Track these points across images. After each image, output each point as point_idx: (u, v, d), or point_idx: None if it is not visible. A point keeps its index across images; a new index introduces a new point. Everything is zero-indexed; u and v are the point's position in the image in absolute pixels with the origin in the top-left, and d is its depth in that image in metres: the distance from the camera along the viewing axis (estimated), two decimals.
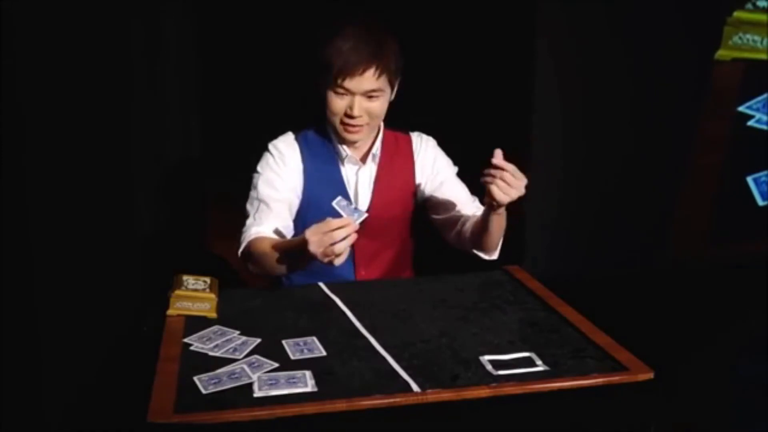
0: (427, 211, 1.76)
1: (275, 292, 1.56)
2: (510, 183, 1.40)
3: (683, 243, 2.98)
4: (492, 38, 2.76)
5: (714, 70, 2.78)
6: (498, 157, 1.40)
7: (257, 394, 1.08)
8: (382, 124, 1.70)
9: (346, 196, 1.66)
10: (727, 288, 2.64)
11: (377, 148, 1.68)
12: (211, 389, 1.09)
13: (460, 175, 1.77)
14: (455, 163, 1.79)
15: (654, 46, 2.60)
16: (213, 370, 1.15)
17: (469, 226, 1.63)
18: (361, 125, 1.57)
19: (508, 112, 2.69)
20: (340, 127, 1.59)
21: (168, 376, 1.13)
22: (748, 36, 2.77)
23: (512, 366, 1.18)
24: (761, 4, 2.75)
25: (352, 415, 1.06)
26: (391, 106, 1.64)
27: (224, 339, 1.26)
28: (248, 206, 1.63)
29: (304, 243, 1.30)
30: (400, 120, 1.75)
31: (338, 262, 1.29)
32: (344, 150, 1.65)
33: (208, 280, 1.43)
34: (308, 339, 1.26)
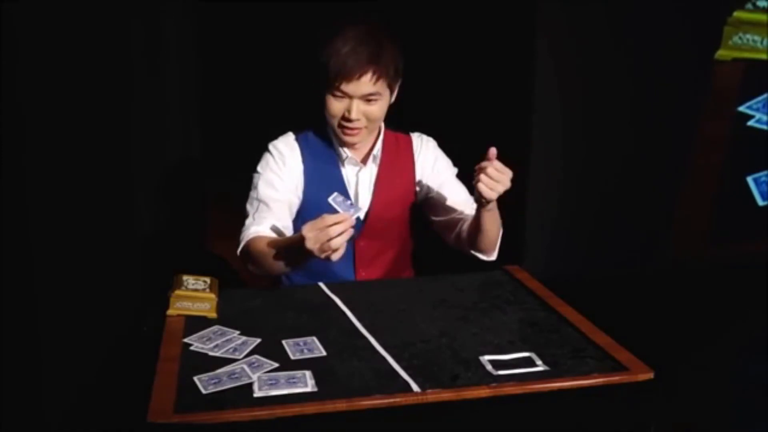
0: (426, 214, 1.75)
1: (275, 292, 1.56)
2: (494, 177, 1.41)
3: (683, 243, 2.98)
4: (492, 38, 2.76)
5: (714, 70, 2.78)
6: (490, 154, 1.40)
7: (257, 394, 1.08)
8: (382, 125, 1.70)
9: (347, 196, 1.66)
10: (727, 288, 2.63)
11: (378, 149, 1.68)
12: (211, 389, 1.09)
13: (460, 175, 1.77)
14: (455, 163, 1.79)
15: (654, 46, 2.60)
16: (213, 370, 1.15)
17: (466, 227, 1.64)
18: (359, 128, 1.57)
19: (508, 112, 2.69)
20: (338, 130, 1.59)
21: (168, 376, 1.13)
22: (748, 36, 2.77)
23: (512, 366, 1.18)
24: (761, 4, 2.75)
25: (352, 415, 1.06)
26: (391, 106, 1.64)
27: (224, 339, 1.26)
28: (248, 206, 1.63)
29: (301, 240, 1.30)
30: (400, 120, 1.75)
31: (335, 257, 1.29)
32: (345, 152, 1.65)
33: (208, 280, 1.43)
34: (308, 339, 1.26)
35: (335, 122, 1.58)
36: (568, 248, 2.75)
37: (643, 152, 2.74)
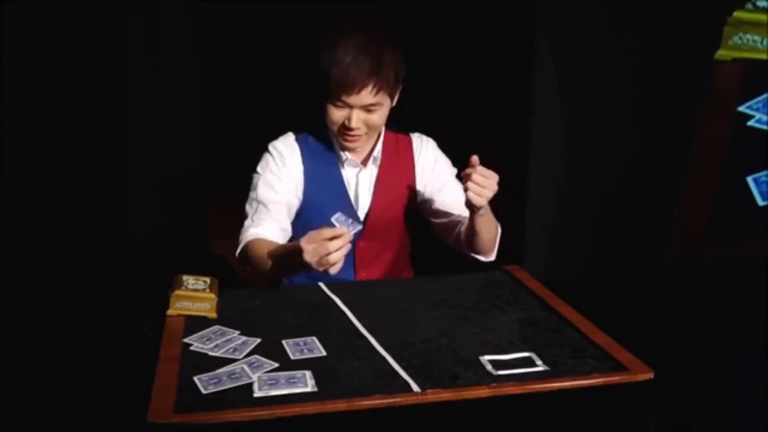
0: (426, 215, 1.75)
1: (275, 292, 1.56)
2: (480, 183, 1.41)
3: (683, 243, 2.98)
4: (492, 38, 2.76)
5: (714, 70, 2.78)
6: (473, 161, 1.41)
7: (257, 394, 1.08)
8: (383, 127, 1.70)
9: (346, 197, 1.66)
10: (727, 288, 2.63)
11: (378, 150, 1.68)
12: (211, 389, 1.09)
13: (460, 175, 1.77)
14: (455, 163, 1.79)
15: (654, 46, 2.60)
16: (213, 370, 1.15)
17: (463, 229, 1.64)
18: (359, 135, 1.57)
19: (508, 112, 2.69)
20: (338, 136, 1.60)
21: (168, 376, 1.13)
22: (748, 36, 2.77)
23: (512, 366, 1.18)
24: (761, 4, 2.75)
25: (352, 415, 1.06)
26: (392, 108, 1.64)
27: (224, 339, 1.26)
28: (247, 207, 1.63)
29: (300, 251, 1.31)
30: (400, 120, 1.75)
31: (333, 271, 1.30)
32: (345, 154, 1.65)
33: (208, 280, 1.43)
34: (308, 339, 1.26)
35: (335, 128, 1.58)
36: (568, 248, 2.75)
37: (643, 152, 2.74)
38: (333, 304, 1.44)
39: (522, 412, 1.13)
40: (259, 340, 1.25)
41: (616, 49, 2.57)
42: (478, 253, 1.65)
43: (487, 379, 1.14)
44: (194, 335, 1.27)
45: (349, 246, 1.30)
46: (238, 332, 1.29)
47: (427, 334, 1.31)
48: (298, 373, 1.14)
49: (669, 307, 2.53)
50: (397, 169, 1.71)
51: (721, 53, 2.77)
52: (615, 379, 1.16)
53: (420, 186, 1.74)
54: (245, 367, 1.16)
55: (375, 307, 1.42)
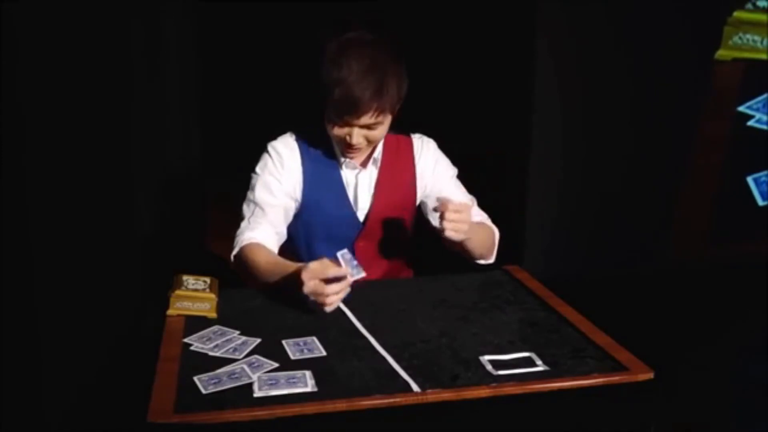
0: (426, 216, 1.75)
1: (275, 292, 1.56)
2: (455, 219, 1.42)
3: (683, 243, 2.98)
4: (492, 38, 2.76)
5: (714, 70, 2.79)
6: (443, 202, 1.43)
7: (257, 394, 1.08)
8: None
9: (345, 198, 1.66)
10: (727, 288, 2.64)
11: (378, 152, 1.68)
12: (211, 389, 1.09)
13: (460, 175, 1.77)
14: (455, 163, 1.79)
15: (654, 46, 2.60)
16: (213, 370, 1.15)
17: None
18: (360, 148, 1.57)
19: (508, 112, 2.69)
20: (338, 145, 1.60)
21: (168, 376, 1.13)
22: (748, 36, 2.78)
23: (512, 366, 1.18)
24: (761, 4, 2.75)
25: (352, 415, 1.06)
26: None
27: (224, 339, 1.26)
28: (244, 207, 1.63)
29: (298, 278, 1.32)
30: (401, 120, 1.74)
31: (328, 310, 1.32)
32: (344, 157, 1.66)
33: (208, 280, 1.43)
34: (308, 339, 1.26)
35: (336, 140, 1.59)
36: (568, 248, 2.75)
37: (643, 152, 2.74)
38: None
39: (522, 412, 1.13)
40: (259, 340, 1.25)
41: (616, 49, 2.58)
42: (475, 259, 1.67)
43: (487, 379, 1.14)
44: (194, 335, 1.27)
45: (348, 290, 1.33)
46: (238, 332, 1.29)
47: (427, 334, 1.31)
48: (298, 373, 1.14)
49: (669, 307, 2.53)
50: (397, 170, 1.71)
51: (721, 53, 2.77)
52: (615, 379, 1.16)
53: (420, 187, 1.73)
54: (245, 367, 1.15)
55: (375, 307, 1.42)
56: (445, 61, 3.02)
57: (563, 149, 2.64)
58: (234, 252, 1.56)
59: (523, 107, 2.56)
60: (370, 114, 1.48)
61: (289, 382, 1.11)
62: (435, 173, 1.73)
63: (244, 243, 1.54)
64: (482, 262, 1.68)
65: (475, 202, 1.72)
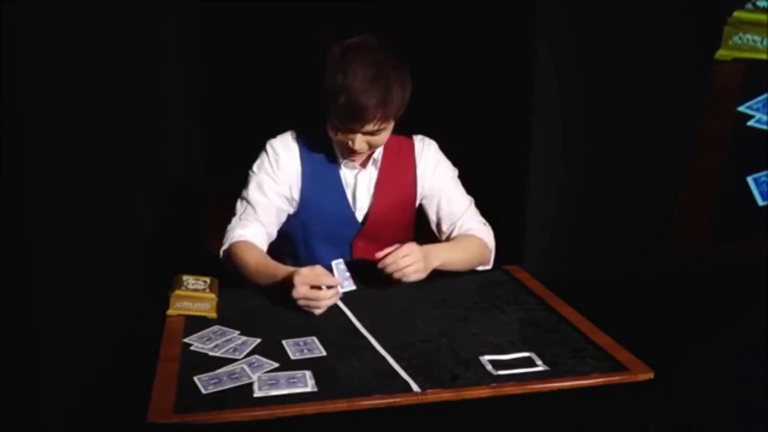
0: (426, 217, 1.76)
1: (275, 292, 1.56)
2: (400, 266, 1.42)
3: (683, 243, 2.98)
4: (492, 38, 2.76)
5: (714, 70, 2.79)
6: (380, 257, 1.43)
7: (257, 394, 1.08)
8: None
9: (344, 198, 1.66)
10: (727, 288, 2.64)
11: (378, 153, 1.68)
12: (211, 389, 1.09)
13: (461, 175, 1.77)
14: (455, 164, 1.79)
15: (654, 46, 2.60)
16: (213, 370, 1.15)
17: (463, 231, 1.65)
18: (361, 153, 1.58)
19: (508, 112, 2.69)
20: (339, 148, 1.60)
21: (168, 376, 1.13)
22: (748, 36, 2.78)
23: (512, 366, 1.18)
24: (761, 4, 2.75)
25: (352, 415, 1.06)
26: None
27: (224, 339, 1.26)
28: (238, 203, 1.64)
29: (290, 280, 1.33)
30: (401, 120, 1.74)
31: (316, 313, 1.35)
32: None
33: (208, 280, 1.43)
34: (308, 339, 1.26)
35: (337, 143, 1.59)
36: (568, 248, 2.75)
37: (643, 152, 2.74)
38: (333, 304, 1.44)
39: (522, 412, 1.13)
40: (259, 340, 1.25)
41: (616, 49, 2.58)
42: (474, 267, 1.67)
43: (487, 379, 1.14)
44: (194, 335, 1.27)
45: (337, 299, 1.36)
46: (238, 332, 1.29)
47: (427, 334, 1.31)
48: (298, 373, 1.14)
49: (669, 307, 2.53)
50: (397, 171, 1.71)
51: (721, 53, 2.77)
52: (615, 379, 1.16)
53: (420, 188, 1.73)
54: (245, 367, 1.15)
55: (375, 307, 1.42)
56: (445, 61, 3.02)
57: (563, 149, 2.64)
58: (224, 247, 1.58)
59: (523, 107, 2.56)
60: (374, 122, 1.48)
61: (289, 382, 1.11)
62: (435, 174, 1.73)
63: (234, 240, 1.56)
64: (480, 268, 1.68)
65: (473, 203, 1.73)
